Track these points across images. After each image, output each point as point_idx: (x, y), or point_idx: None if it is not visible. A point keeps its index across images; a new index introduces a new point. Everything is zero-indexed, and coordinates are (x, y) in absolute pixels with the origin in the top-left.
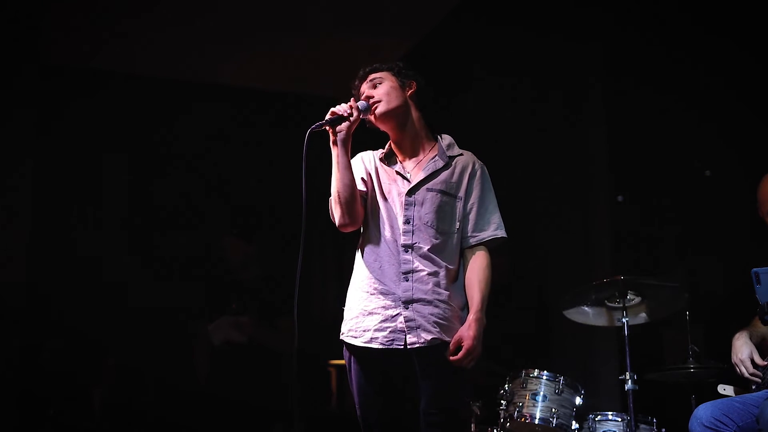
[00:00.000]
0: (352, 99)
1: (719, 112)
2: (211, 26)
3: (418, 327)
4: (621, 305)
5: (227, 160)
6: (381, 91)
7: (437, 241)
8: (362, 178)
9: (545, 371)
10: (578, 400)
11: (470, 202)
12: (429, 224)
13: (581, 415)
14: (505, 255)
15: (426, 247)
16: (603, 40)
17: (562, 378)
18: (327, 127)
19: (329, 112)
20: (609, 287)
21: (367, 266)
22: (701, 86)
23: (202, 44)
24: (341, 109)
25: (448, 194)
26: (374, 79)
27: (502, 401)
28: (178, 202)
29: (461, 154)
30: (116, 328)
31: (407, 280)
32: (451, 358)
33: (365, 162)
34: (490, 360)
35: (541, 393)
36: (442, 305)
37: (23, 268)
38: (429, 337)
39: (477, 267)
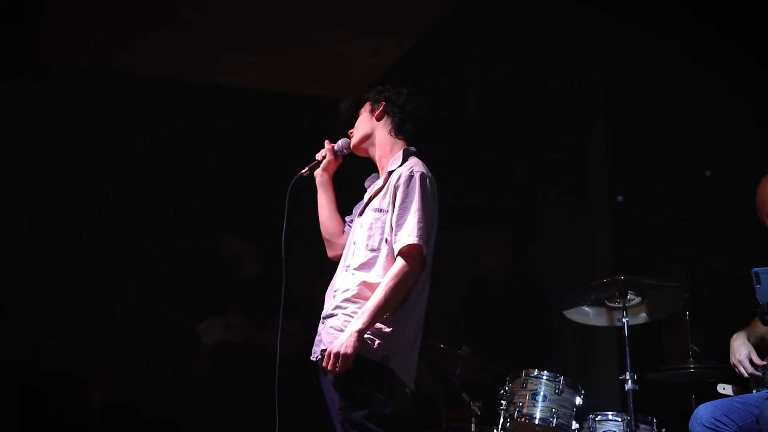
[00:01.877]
0: (326, 141)
1: (721, 113)
2: (211, 26)
3: (321, 341)
4: (621, 305)
5: (226, 159)
6: (356, 128)
7: (366, 259)
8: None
9: (545, 371)
10: (578, 400)
11: (392, 214)
12: (362, 244)
13: (581, 415)
14: (506, 255)
15: (355, 266)
16: (603, 39)
17: (562, 378)
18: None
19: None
20: (609, 287)
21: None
22: (704, 88)
23: (202, 44)
24: (319, 154)
25: (380, 210)
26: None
27: (502, 401)
28: (178, 201)
29: (400, 166)
30: (116, 328)
31: (333, 297)
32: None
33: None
34: (490, 360)
35: (541, 393)
36: (344, 317)
37: (23, 268)
38: (321, 347)
39: (385, 276)
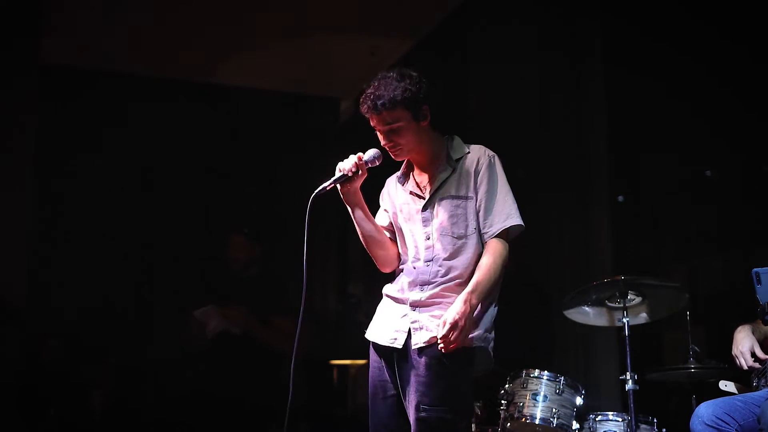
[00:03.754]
0: (358, 156)
1: (722, 112)
2: (211, 27)
3: (421, 328)
4: (621, 305)
5: (227, 159)
6: (402, 140)
7: (454, 247)
8: (385, 210)
9: (546, 371)
10: (579, 400)
11: (479, 199)
12: (445, 233)
13: (582, 415)
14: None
15: (444, 256)
16: (604, 38)
17: (562, 378)
18: (337, 185)
19: (337, 169)
20: (609, 287)
21: (394, 277)
22: (705, 87)
23: (202, 45)
24: (346, 167)
25: (458, 197)
26: (391, 122)
27: (502, 401)
28: (179, 200)
29: (468, 152)
30: (117, 327)
31: (422, 290)
32: (440, 339)
33: (390, 192)
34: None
35: (542, 393)
36: (447, 307)
37: (24, 268)
38: (428, 336)
39: (483, 256)
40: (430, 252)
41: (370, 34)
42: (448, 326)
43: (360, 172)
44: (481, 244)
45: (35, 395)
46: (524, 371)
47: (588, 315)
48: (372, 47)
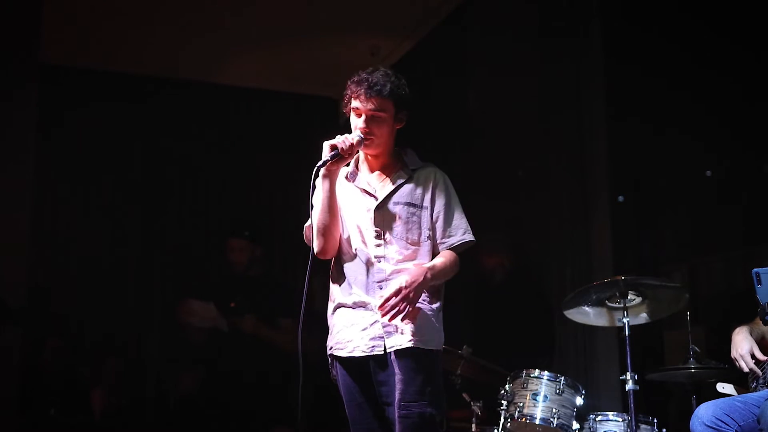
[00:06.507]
0: (347, 137)
1: (722, 112)
2: (211, 27)
3: (395, 330)
4: (622, 305)
5: (227, 159)
6: (378, 131)
7: (408, 252)
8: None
9: (546, 371)
10: (579, 401)
11: (436, 211)
12: (399, 237)
13: (582, 415)
14: (506, 255)
15: (398, 258)
16: (605, 35)
17: (562, 378)
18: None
19: (329, 146)
20: (610, 287)
21: (342, 283)
22: (705, 87)
23: (202, 45)
24: (340, 145)
25: (413, 205)
26: (376, 109)
27: (502, 401)
28: (179, 201)
29: (423, 167)
30: (117, 328)
31: (381, 289)
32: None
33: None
34: (490, 360)
35: (542, 393)
36: (414, 308)
37: (23, 268)
38: (404, 338)
39: (441, 255)
40: (381, 251)
41: (370, 34)
42: (393, 290)
43: (351, 152)
44: (433, 252)
45: (35, 395)
46: (524, 371)
47: (588, 315)
48: (372, 47)
